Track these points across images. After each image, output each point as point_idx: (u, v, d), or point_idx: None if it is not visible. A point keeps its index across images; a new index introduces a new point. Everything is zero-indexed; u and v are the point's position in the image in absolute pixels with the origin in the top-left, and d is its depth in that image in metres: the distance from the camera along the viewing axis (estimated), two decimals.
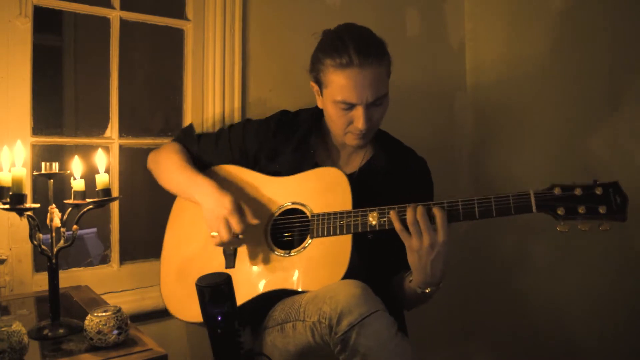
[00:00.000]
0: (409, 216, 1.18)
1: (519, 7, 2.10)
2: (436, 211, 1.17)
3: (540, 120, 2.02)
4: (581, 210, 1.12)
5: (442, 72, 2.31)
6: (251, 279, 1.33)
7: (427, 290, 1.24)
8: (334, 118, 1.36)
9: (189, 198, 1.43)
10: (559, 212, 1.13)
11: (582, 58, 1.88)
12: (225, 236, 1.29)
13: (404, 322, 1.42)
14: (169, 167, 1.47)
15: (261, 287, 1.31)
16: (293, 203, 1.37)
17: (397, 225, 1.20)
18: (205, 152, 1.52)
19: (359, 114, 1.30)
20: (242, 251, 1.37)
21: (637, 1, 1.73)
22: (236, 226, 1.30)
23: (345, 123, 1.34)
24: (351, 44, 1.27)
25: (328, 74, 1.31)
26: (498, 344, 2.26)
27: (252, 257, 1.36)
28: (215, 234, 1.31)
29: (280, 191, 1.40)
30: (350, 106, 1.30)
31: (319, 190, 1.34)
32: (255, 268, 1.35)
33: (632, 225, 1.74)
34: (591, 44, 1.85)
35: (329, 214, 1.29)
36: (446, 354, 2.30)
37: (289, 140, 1.47)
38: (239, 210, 1.31)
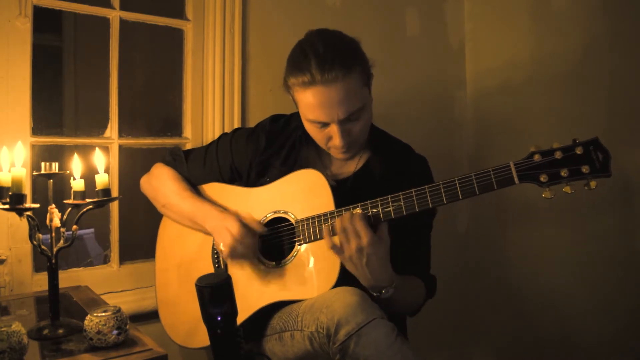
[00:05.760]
0: (336, 226, 1.18)
1: (519, 7, 2.09)
2: (355, 215, 1.17)
3: (540, 120, 2.01)
4: (564, 173, 1.09)
5: (442, 72, 2.31)
6: (246, 296, 1.30)
7: (382, 292, 1.20)
8: (312, 134, 1.32)
9: (197, 227, 1.40)
10: (542, 179, 1.10)
11: (583, 58, 1.87)
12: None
13: (405, 324, 1.42)
14: (169, 196, 1.44)
15: (257, 303, 1.29)
16: (275, 212, 1.34)
17: (328, 240, 1.19)
18: (194, 175, 1.49)
19: (334, 130, 1.24)
20: (233, 269, 1.35)
21: (638, 1, 1.73)
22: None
23: (324, 139, 1.29)
24: (313, 59, 1.19)
25: (295, 92, 1.25)
26: (498, 344, 2.26)
27: (244, 274, 1.34)
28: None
29: (261, 201, 1.36)
30: (324, 124, 1.25)
31: (300, 194, 1.31)
32: (248, 284, 1.32)
33: (633, 225, 1.76)
34: (592, 43, 1.85)
35: (312, 218, 1.26)
36: (446, 355, 2.30)
37: (279, 152, 1.42)
38: (244, 227, 1.29)
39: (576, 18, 1.89)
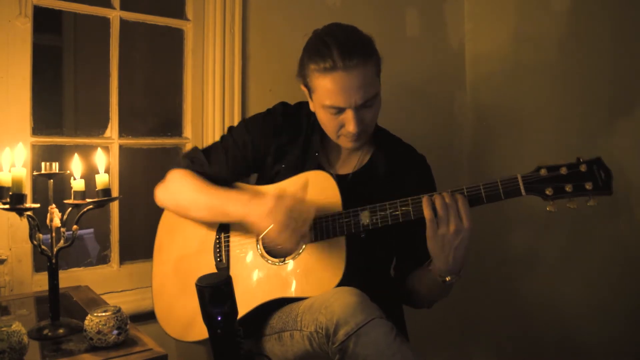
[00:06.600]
0: (438, 203, 1.18)
1: (519, 7, 2.10)
2: (459, 197, 1.18)
3: (540, 120, 2.01)
4: (568, 188, 1.15)
5: (442, 72, 2.31)
6: (248, 291, 1.31)
7: (447, 279, 1.23)
8: (325, 122, 1.33)
9: (230, 220, 1.35)
10: (547, 192, 1.16)
11: (583, 58, 1.87)
12: (302, 226, 1.19)
13: (404, 324, 1.42)
14: (193, 196, 1.36)
15: (258, 298, 1.30)
16: None
17: (429, 212, 1.18)
18: (219, 169, 1.43)
19: (349, 117, 1.27)
20: (236, 265, 1.36)
21: (638, 0, 1.73)
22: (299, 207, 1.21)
23: (336, 126, 1.31)
24: (334, 46, 1.24)
25: (314, 79, 1.28)
26: (498, 345, 2.26)
27: (246, 269, 1.34)
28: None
29: None
30: (340, 110, 1.27)
31: (308, 194, 1.31)
32: (250, 280, 1.33)
33: (632, 224, 1.76)
34: (592, 44, 1.85)
35: (320, 218, 1.27)
36: (446, 354, 2.30)
37: (295, 138, 1.43)
38: (286, 199, 1.22)
39: (576, 18, 1.89)
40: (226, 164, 1.42)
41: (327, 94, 1.26)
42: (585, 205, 1.15)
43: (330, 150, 1.44)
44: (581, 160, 1.15)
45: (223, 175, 1.42)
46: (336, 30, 1.30)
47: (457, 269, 1.23)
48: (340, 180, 1.37)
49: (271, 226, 1.20)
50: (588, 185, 1.13)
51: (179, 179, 1.40)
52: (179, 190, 1.39)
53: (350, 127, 1.28)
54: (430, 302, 1.41)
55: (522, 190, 1.17)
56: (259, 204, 1.24)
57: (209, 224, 1.42)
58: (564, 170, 1.15)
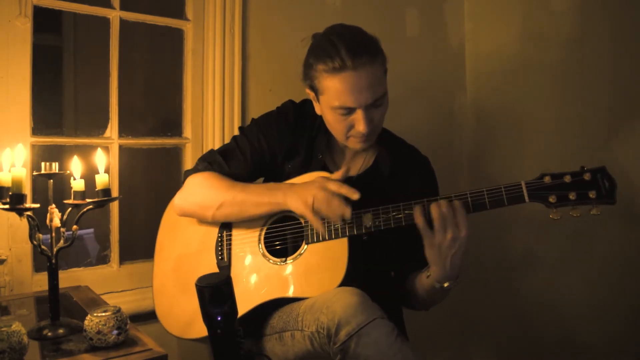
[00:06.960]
0: (434, 211, 1.18)
1: (519, 7, 2.10)
2: (457, 205, 1.18)
3: (540, 120, 2.01)
4: (572, 196, 1.15)
5: (442, 72, 2.31)
6: (248, 290, 1.31)
7: (445, 285, 1.23)
8: (333, 124, 1.32)
9: (267, 210, 1.33)
10: (551, 200, 1.16)
11: (584, 58, 1.87)
12: (346, 211, 1.21)
13: (403, 324, 1.42)
14: (226, 193, 1.34)
15: (259, 297, 1.29)
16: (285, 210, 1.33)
17: (421, 221, 1.18)
18: (239, 170, 1.42)
19: (359, 117, 1.26)
20: (237, 263, 1.36)
21: (638, 0, 1.73)
22: (348, 192, 1.23)
23: (346, 128, 1.30)
24: (342, 46, 1.22)
25: (322, 80, 1.26)
26: (498, 345, 2.26)
27: (248, 268, 1.34)
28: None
29: None
30: (350, 110, 1.26)
31: None
32: (251, 279, 1.33)
33: (633, 224, 1.76)
34: (592, 44, 1.85)
35: (322, 219, 1.26)
36: (446, 355, 2.30)
37: (303, 138, 1.42)
38: (328, 181, 1.25)
39: (576, 18, 1.89)
40: (245, 165, 1.41)
41: (337, 94, 1.25)
42: (588, 213, 1.14)
43: (335, 152, 1.44)
44: (585, 168, 1.15)
45: (243, 175, 1.42)
46: (341, 30, 1.29)
47: (455, 275, 1.23)
48: (345, 182, 1.37)
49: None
50: (592, 194, 1.13)
51: (204, 180, 1.38)
52: (205, 191, 1.37)
53: (361, 127, 1.27)
54: (428, 306, 1.41)
55: (526, 197, 1.16)
56: (301, 185, 1.29)
57: (210, 223, 1.42)
58: (567, 178, 1.15)
